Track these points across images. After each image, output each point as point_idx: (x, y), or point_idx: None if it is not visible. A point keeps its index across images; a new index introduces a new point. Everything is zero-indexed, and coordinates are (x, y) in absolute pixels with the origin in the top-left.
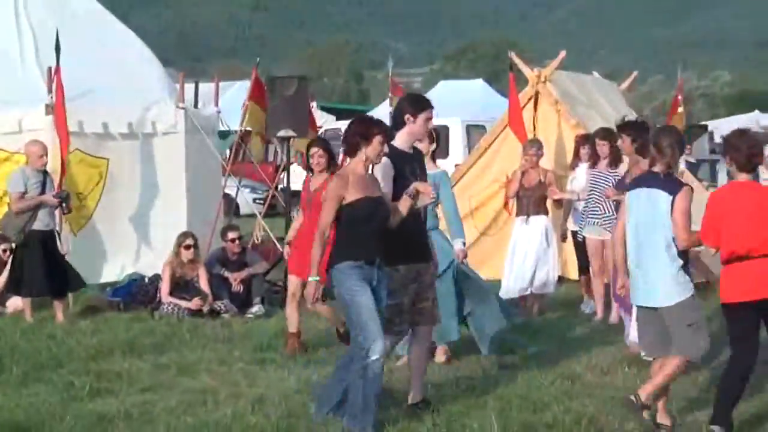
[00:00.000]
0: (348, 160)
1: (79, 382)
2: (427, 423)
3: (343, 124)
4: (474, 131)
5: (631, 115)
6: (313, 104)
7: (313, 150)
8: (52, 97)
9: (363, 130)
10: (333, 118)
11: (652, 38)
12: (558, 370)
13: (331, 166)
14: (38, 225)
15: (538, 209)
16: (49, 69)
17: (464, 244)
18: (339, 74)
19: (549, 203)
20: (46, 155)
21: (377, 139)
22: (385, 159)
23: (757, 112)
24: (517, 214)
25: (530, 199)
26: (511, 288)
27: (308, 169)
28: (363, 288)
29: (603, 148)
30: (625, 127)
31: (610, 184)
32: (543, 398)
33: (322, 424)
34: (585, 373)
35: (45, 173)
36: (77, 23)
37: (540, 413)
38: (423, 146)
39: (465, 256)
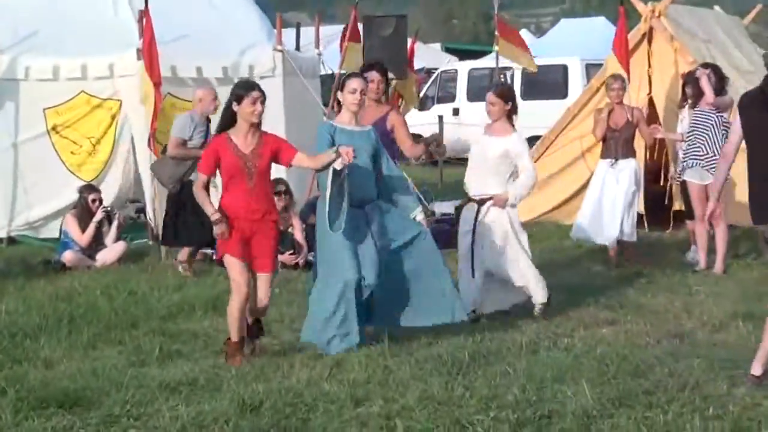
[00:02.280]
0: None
1: (150, 345)
2: (514, 390)
3: (461, 66)
4: (594, 71)
5: (756, 52)
6: (436, 44)
7: (256, 95)
8: (141, 42)
9: None
10: (456, 59)
11: None
12: (664, 327)
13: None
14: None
15: (627, 152)
16: (140, 12)
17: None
18: (467, 16)
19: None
20: (218, 99)
21: None
22: None
23: None
24: (603, 157)
25: (618, 140)
26: (585, 229)
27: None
28: None
29: (705, 81)
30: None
31: (713, 124)
32: (646, 359)
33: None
34: (695, 330)
35: (209, 122)
36: None
37: (641, 378)
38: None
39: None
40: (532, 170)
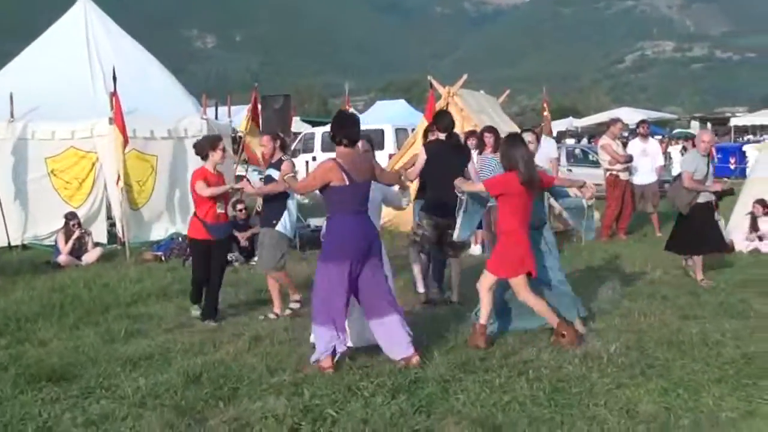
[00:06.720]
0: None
1: (118, 326)
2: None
3: (318, 130)
4: (400, 132)
5: (503, 119)
6: (297, 117)
7: None
8: (112, 112)
9: None
10: (309, 126)
11: (497, 75)
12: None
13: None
14: (702, 198)
15: None
16: (111, 93)
17: None
18: (312, 101)
19: None
20: None
21: None
22: None
23: (570, 117)
24: None
25: None
26: None
27: None
28: None
29: (489, 139)
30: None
31: (494, 164)
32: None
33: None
34: None
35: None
36: (130, 61)
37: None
38: None
39: None
40: None
